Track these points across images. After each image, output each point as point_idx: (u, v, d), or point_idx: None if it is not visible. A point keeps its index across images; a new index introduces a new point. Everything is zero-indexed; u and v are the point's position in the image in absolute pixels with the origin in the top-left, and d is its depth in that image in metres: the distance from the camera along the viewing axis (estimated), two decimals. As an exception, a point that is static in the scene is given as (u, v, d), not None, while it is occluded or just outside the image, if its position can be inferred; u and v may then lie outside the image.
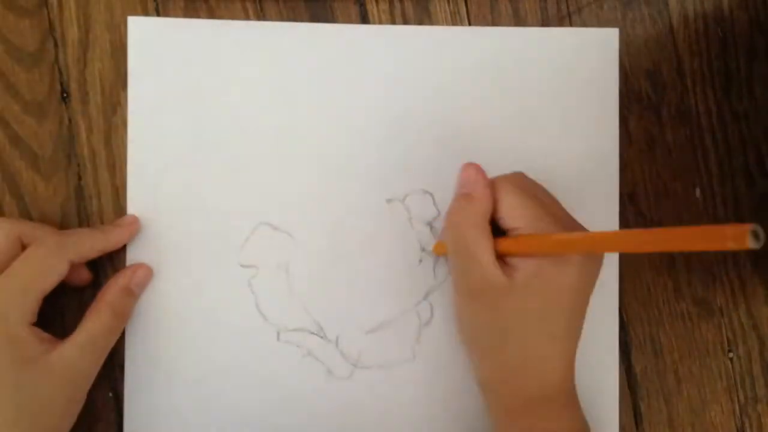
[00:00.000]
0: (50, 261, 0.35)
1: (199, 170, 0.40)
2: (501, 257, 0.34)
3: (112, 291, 0.38)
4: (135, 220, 0.39)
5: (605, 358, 0.41)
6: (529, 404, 0.34)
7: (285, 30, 0.40)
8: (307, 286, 0.40)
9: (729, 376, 0.42)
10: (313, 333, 0.40)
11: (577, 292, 0.33)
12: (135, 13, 0.40)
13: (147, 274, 0.39)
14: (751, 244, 0.22)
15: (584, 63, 0.41)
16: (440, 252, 0.40)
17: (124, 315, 0.38)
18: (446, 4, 0.41)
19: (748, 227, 0.22)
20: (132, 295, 0.39)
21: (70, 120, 0.40)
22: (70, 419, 0.36)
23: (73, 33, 0.40)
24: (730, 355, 0.42)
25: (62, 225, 0.40)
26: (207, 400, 0.39)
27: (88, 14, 0.40)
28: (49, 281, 0.35)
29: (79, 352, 0.35)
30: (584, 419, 0.35)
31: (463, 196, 0.35)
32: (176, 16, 0.40)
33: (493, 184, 0.35)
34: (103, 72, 0.40)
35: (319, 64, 0.40)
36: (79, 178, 0.40)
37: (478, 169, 0.35)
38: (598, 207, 0.41)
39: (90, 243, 0.37)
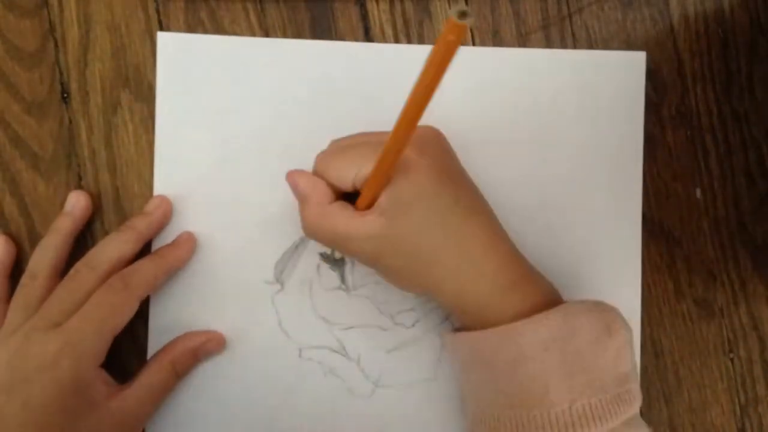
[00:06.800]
0: (120, 302, 0.35)
1: (225, 187, 0.40)
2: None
3: (179, 350, 0.38)
4: (190, 237, 0.39)
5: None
6: (491, 301, 0.33)
7: (312, 48, 0.40)
8: (330, 304, 0.40)
9: (730, 376, 0.42)
10: (334, 351, 0.40)
11: (437, 176, 0.33)
12: (135, 13, 0.40)
13: (219, 346, 0.39)
14: (463, 20, 0.22)
15: (611, 86, 0.41)
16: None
17: (183, 374, 0.39)
18: (446, 4, 0.41)
19: (452, 15, 0.22)
20: (197, 359, 0.39)
21: (70, 120, 0.40)
22: None
23: (73, 33, 0.40)
24: (731, 355, 0.42)
25: (62, 225, 0.40)
26: (228, 416, 0.39)
27: (89, 14, 0.40)
28: (120, 322, 0.35)
29: (136, 403, 0.36)
30: (549, 290, 0.34)
31: (300, 203, 0.35)
32: (176, 15, 0.40)
33: (314, 171, 0.35)
34: (104, 72, 0.40)
35: (347, 82, 0.40)
36: (80, 178, 0.40)
37: (296, 171, 0.35)
38: (620, 232, 0.41)
39: (153, 272, 0.37)
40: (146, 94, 0.40)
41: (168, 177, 0.40)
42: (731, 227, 0.42)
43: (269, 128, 0.40)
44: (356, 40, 0.41)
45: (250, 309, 0.40)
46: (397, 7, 0.41)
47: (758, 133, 0.42)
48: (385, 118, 0.40)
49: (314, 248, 0.40)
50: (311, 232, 0.35)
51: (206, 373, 0.39)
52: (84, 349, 0.34)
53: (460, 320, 0.35)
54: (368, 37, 0.41)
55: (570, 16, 0.41)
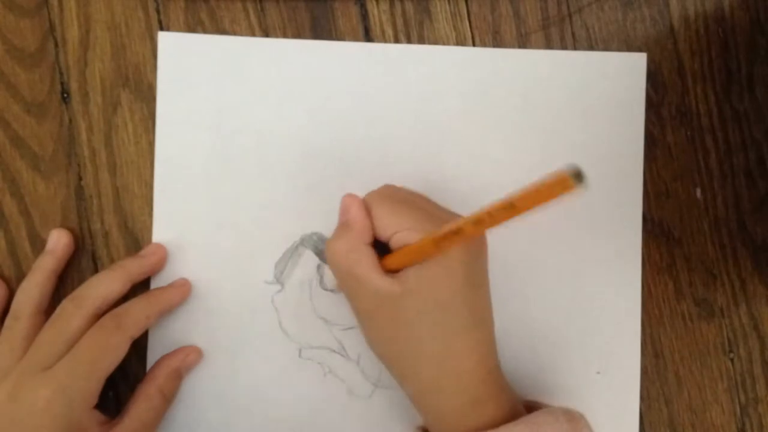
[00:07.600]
0: (112, 343, 0.35)
1: (225, 187, 0.40)
2: (390, 273, 0.33)
3: (163, 374, 0.38)
4: (185, 283, 0.39)
5: (626, 361, 0.41)
6: (461, 410, 0.33)
7: (312, 47, 0.40)
8: (330, 304, 0.40)
9: (730, 376, 0.42)
10: (334, 351, 0.40)
11: (465, 281, 0.33)
12: (135, 13, 0.40)
13: (198, 357, 0.39)
14: (578, 187, 0.23)
15: (611, 87, 0.41)
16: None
17: (172, 397, 0.38)
18: (446, 4, 0.41)
19: (567, 172, 0.22)
20: (180, 377, 0.39)
21: (70, 120, 0.40)
22: None
23: (73, 33, 0.40)
24: (731, 355, 0.42)
25: (62, 225, 0.40)
26: (228, 416, 0.39)
27: (88, 14, 0.40)
28: (112, 362, 0.35)
29: None
30: (514, 402, 0.34)
31: (340, 226, 0.35)
32: (176, 15, 0.40)
33: (364, 204, 0.35)
34: (104, 72, 0.40)
35: (347, 82, 0.40)
36: (80, 178, 0.40)
37: (352, 195, 0.35)
38: (620, 233, 0.41)
39: (145, 313, 0.37)
40: (146, 94, 0.40)
41: (168, 177, 0.40)
42: (731, 227, 0.42)
43: (269, 128, 0.40)
44: (356, 40, 0.41)
45: (250, 309, 0.40)
46: (397, 7, 0.41)
47: (758, 133, 0.42)
48: (385, 118, 0.40)
49: (314, 249, 0.40)
50: (333, 256, 0.34)
51: (207, 373, 0.39)
52: (76, 392, 0.34)
53: (421, 415, 0.35)
54: (368, 37, 0.41)
55: (570, 16, 0.41)
